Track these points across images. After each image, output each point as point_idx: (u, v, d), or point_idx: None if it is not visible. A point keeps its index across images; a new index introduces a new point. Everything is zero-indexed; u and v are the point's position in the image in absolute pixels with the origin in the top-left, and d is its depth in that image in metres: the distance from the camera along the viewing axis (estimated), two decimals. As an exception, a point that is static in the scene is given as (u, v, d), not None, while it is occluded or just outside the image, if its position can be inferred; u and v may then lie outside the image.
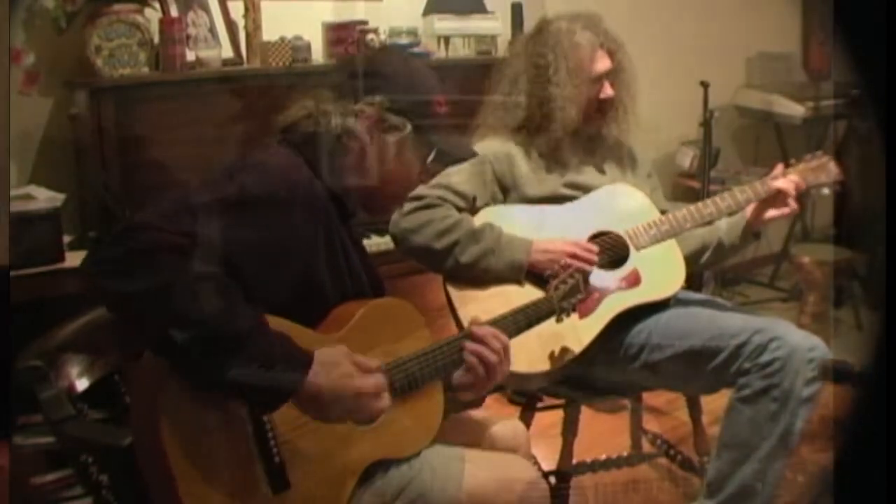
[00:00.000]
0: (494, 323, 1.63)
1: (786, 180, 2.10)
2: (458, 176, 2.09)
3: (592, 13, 2.19)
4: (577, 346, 1.96)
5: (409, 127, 1.59)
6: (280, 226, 1.43)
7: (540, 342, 1.92)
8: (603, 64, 2.14)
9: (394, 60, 1.67)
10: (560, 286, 1.76)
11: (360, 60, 1.71)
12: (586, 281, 1.82)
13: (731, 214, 2.16)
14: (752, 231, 2.16)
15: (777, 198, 2.10)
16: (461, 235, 2.00)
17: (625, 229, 2.11)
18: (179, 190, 1.45)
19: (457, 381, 1.59)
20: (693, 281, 2.59)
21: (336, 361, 1.39)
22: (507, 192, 2.13)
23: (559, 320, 1.77)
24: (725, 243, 2.19)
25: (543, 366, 1.94)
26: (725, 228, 2.19)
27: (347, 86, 1.61)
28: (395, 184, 1.64)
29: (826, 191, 2.16)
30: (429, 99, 1.63)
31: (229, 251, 1.35)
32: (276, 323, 1.37)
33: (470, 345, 1.56)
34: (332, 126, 1.56)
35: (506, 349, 1.58)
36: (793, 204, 2.10)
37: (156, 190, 2.48)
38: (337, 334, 1.48)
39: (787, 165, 2.17)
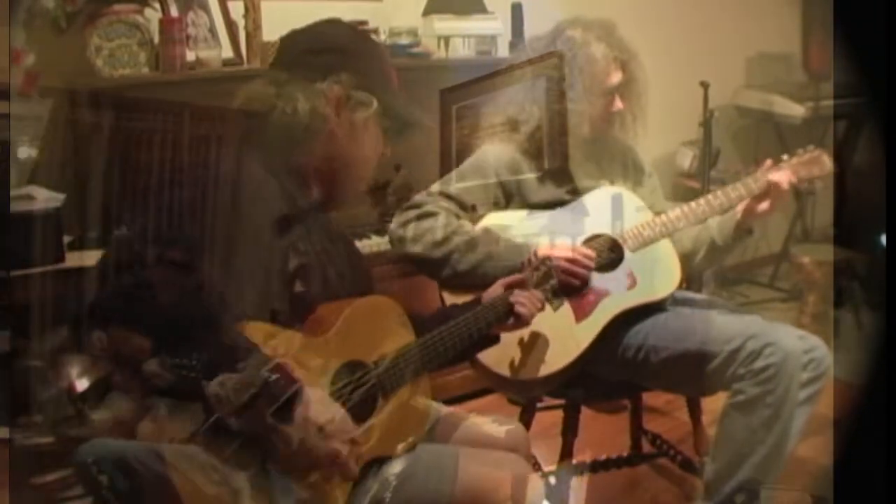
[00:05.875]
0: (476, 313, 1.70)
1: (781, 173, 2.10)
2: (458, 184, 2.09)
3: (606, 21, 2.16)
4: (575, 350, 1.97)
5: (375, 103, 1.56)
6: (244, 238, 1.42)
7: (540, 351, 1.93)
8: (616, 77, 2.13)
9: (346, 33, 1.65)
10: (534, 274, 1.79)
11: (308, 35, 1.65)
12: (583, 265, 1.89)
13: (724, 212, 2.15)
14: (744, 227, 2.16)
15: (768, 192, 2.10)
16: (459, 244, 2.00)
17: (619, 231, 2.11)
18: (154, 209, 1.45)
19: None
20: (693, 281, 2.59)
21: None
22: (510, 197, 2.13)
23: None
24: (718, 242, 2.19)
25: (542, 371, 1.95)
26: (717, 227, 2.19)
27: (306, 63, 1.57)
28: (361, 165, 1.62)
29: (819, 184, 2.16)
30: (387, 70, 1.62)
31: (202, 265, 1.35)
32: (261, 329, 1.38)
33: (519, 296, 1.75)
34: (299, 112, 1.52)
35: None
36: (784, 198, 2.09)
37: (155, 191, 2.48)
38: (323, 337, 1.48)
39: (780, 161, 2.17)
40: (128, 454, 1.28)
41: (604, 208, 2.14)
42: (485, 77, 2.22)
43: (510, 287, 1.79)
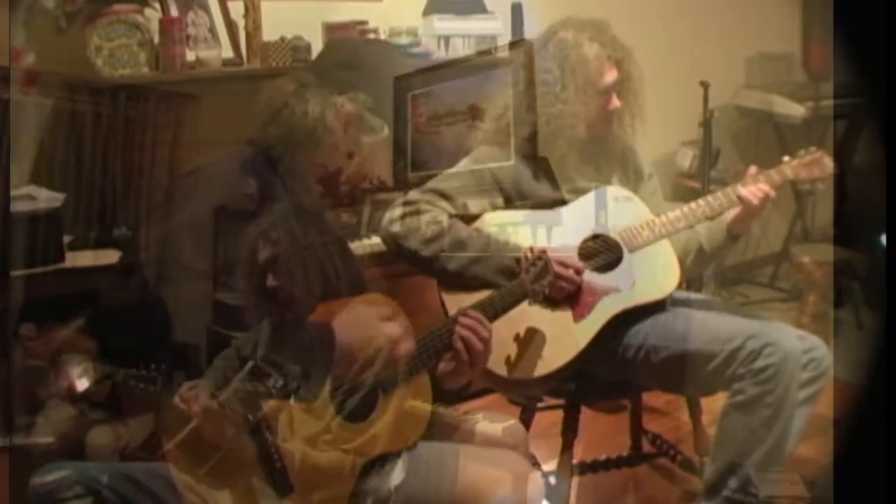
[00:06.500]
0: (472, 309, 1.66)
1: (749, 189, 2.08)
2: (449, 182, 2.09)
3: (599, 20, 2.17)
4: (573, 350, 1.97)
5: (386, 130, 1.57)
6: (236, 234, 1.43)
7: (537, 347, 1.93)
8: (610, 76, 2.13)
9: (381, 55, 1.66)
10: (530, 269, 1.79)
11: (348, 48, 1.68)
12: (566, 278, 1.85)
13: (724, 212, 2.15)
14: (733, 234, 2.16)
15: (745, 204, 2.08)
16: (448, 243, 2.00)
17: (618, 231, 2.11)
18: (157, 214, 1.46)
19: (441, 369, 1.61)
20: (693, 281, 2.59)
21: (356, 318, 1.38)
22: (509, 196, 2.13)
23: (532, 303, 1.81)
24: (706, 249, 2.19)
25: (541, 370, 1.95)
26: (705, 234, 2.19)
27: (331, 74, 1.59)
28: (357, 180, 1.63)
29: (820, 185, 2.16)
30: (410, 104, 1.63)
31: (197, 263, 1.35)
32: None
33: (458, 330, 1.59)
34: (308, 115, 1.54)
35: (490, 337, 1.61)
36: (757, 211, 2.08)
37: (155, 190, 2.48)
38: None
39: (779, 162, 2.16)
40: (91, 477, 1.26)
41: (603, 208, 2.14)
42: (442, 65, 2.22)
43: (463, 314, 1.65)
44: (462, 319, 1.62)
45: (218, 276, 1.47)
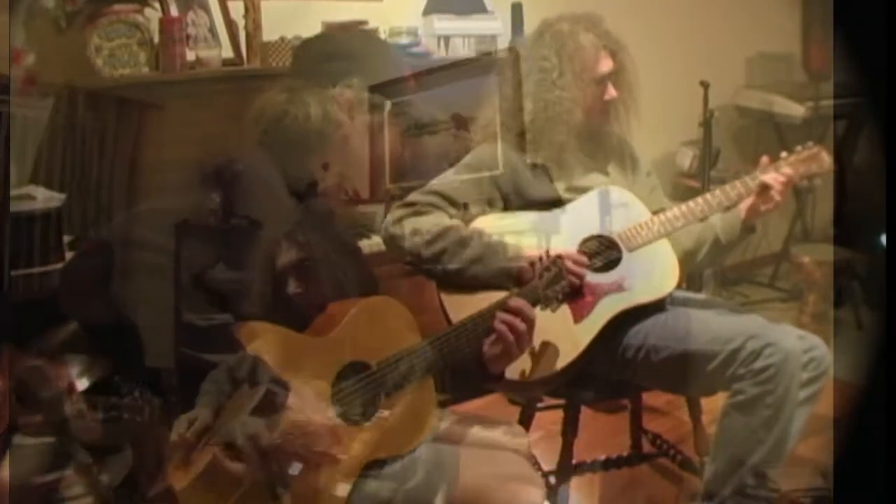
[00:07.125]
0: (480, 314, 1.65)
1: (772, 175, 2.09)
2: (450, 182, 2.09)
3: (593, 14, 2.19)
4: (574, 351, 1.97)
5: (388, 104, 1.58)
6: (249, 234, 1.42)
7: (550, 358, 1.93)
8: (606, 65, 2.14)
9: (356, 38, 1.66)
10: (543, 274, 1.78)
11: (319, 43, 1.68)
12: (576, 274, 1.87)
13: (722, 211, 2.15)
14: (748, 225, 2.16)
15: (765, 192, 2.09)
16: (449, 243, 2.00)
17: (617, 231, 2.11)
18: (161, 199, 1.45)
19: (488, 352, 1.62)
20: (693, 281, 2.59)
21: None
22: (507, 197, 2.13)
23: (544, 308, 1.79)
24: (722, 240, 2.19)
25: (541, 372, 1.94)
26: (720, 226, 2.19)
27: (318, 71, 1.59)
28: (379, 163, 1.63)
29: (818, 181, 2.16)
30: (401, 72, 1.62)
31: (204, 263, 1.34)
32: (262, 328, 1.37)
33: (502, 315, 1.61)
34: (311, 118, 1.54)
35: (534, 320, 1.64)
36: (776, 198, 2.09)
37: (154, 190, 2.49)
38: (330, 335, 1.48)
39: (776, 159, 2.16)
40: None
41: (602, 208, 2.14)
42: (422, 73, 2.20)
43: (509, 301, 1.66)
44: (509, 303, 1.63)
45: (184, 297, 1.43)
